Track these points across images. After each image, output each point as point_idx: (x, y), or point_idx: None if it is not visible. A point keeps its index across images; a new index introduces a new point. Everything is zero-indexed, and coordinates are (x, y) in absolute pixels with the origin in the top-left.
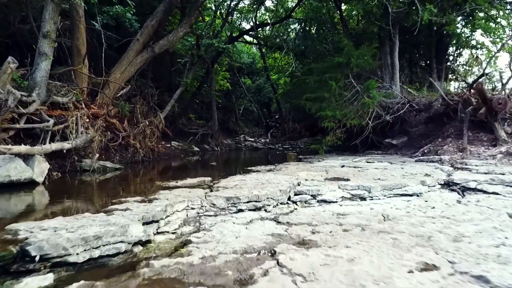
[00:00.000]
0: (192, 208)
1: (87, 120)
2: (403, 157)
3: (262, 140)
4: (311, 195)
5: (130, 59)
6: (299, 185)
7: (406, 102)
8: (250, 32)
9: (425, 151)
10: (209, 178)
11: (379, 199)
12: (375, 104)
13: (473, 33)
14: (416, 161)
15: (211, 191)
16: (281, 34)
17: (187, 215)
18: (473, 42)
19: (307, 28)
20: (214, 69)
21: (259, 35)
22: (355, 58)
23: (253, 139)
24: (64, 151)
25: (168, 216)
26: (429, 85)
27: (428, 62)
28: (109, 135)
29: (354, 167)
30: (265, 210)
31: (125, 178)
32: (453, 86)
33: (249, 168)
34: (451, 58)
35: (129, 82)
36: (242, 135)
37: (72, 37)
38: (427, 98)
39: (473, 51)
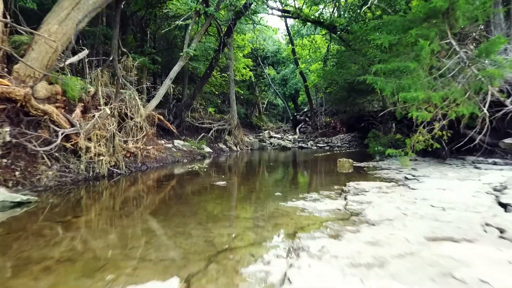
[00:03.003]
0: None
1: None
2: None
3: (290, 137)
4: None
5: None
6: None
7: None
8: None
9: None
10: None
11: None
12: (504, 78)
13: None
14: None
15: None
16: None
17: None
18: None
19: None
20: (232, 41)
21: (288, 9)
22: (463, 1)
23: (279, 136)
24: None
25: None
26: None
27: None
28: (15, 129)
29: None
30: None
31: None
32: None
33: (287, 203)
34: None
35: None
36: (267, 131)
37: None
38: None
39: None
